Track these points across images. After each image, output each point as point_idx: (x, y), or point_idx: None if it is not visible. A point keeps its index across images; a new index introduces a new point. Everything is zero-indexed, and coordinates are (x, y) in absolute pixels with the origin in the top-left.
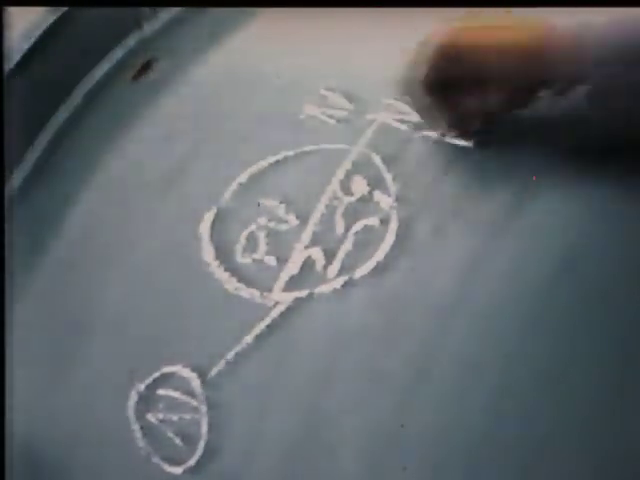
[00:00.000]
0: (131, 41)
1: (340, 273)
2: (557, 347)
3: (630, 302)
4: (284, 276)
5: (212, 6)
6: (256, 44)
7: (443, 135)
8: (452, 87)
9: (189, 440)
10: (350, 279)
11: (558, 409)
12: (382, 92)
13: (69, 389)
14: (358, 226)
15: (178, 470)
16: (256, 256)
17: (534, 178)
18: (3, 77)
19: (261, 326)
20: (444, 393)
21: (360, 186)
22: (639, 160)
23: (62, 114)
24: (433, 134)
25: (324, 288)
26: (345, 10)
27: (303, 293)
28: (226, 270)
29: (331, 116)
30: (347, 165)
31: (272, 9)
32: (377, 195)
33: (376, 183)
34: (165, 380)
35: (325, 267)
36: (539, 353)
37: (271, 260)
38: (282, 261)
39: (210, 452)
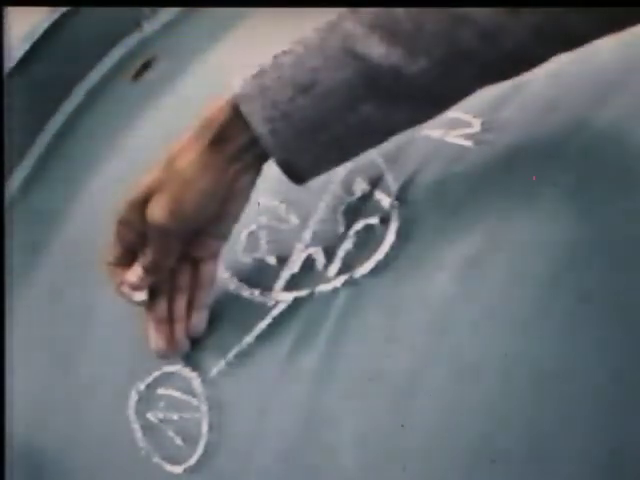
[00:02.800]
0: (131, 41)
1: (340, 272)
2: (557, 347)
3: (631, 301)
4: (284, 275)
5: (212, 6)
6: (256, 44)
7: None
8: None
9: (189, 439)
10: (350, 278)
11: (558, 409)
12: None
13: (69, 388)
14: (358, 225)
15: (178, 469)
16: (257, 255)
17: (534, 178)
18: (3, 77)
19: (261, 325)
20: (444, 393)
21: (361, 185)
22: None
23: (62, 114)
24: (433, 133)
25: (324, 287)
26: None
27: (303, 292)
28: (227, 269)
29: None
30: (348, 164)
31: (272, 9)
32: (378, 194)
33: (377, 182)
34: (165, 379)
35: (325, 266)
36: (539, 353)
37: (272, 259)
38: (282, 260)
39: (210, 451)
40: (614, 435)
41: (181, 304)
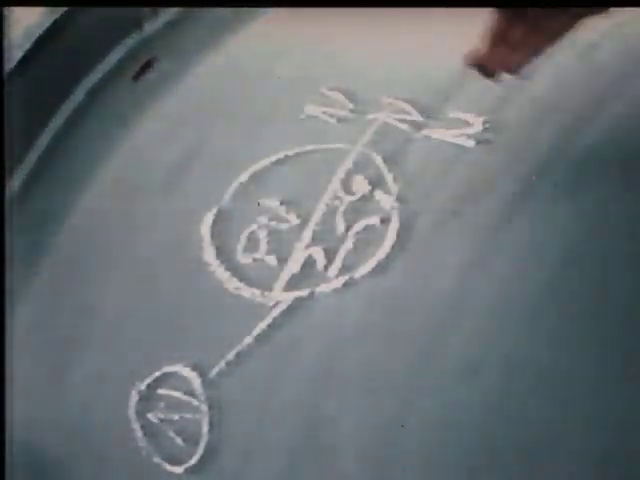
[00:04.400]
0: (131, 41)
1: (341, 272)
2: (557, 346)
3: (631, 302)
4: (285, 275)
5: (212, 6)
6: (256, 44)
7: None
8: None
9: (190, 440)
10: (351, 278)
11: (558, 409)
12: (383, 91)
13: (70, 389)
14: (359, 226)
15: (179, 470)
16: (257, 255)
17: (534, 178)
18: (3, 77)
19: (262, 326)
20: (444, 393)
21: (361, 185)
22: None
23: (63, 114)
24: (434, 133)
25: (325, 287)
26: (345, 10)
27: (304, 292)
28: (227, 270)
29: (332, 115)
30: (348, 164)
31: (272, 9)
32: (378, 194)
33: (377, 182)
34: (166, 380)
35: (326, 266)
36: (539, 353)
37: (272, 259)
38: (283, 260)
39: (211, 452)
40: (614, 435)
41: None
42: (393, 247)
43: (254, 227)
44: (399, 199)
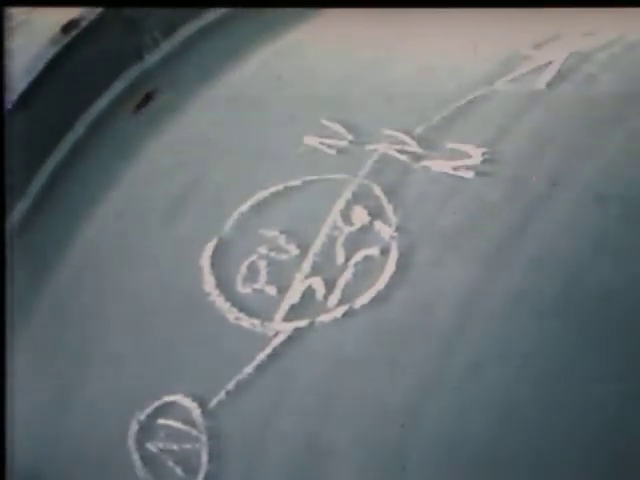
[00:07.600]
0: (132, 72)
1: (340, 303)
2: (557, 372)
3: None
4: (285, 306)
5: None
6: (256, 75)
7: None
8: None
9: (189, 470)
10: (350, 309)
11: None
12: (382, 123)
13: (70, 418)
14: (358, 256)
15: None
16: (257, 286)
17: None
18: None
19: (262, 356)
20: (444, 422)
21: (360, 216)
22: None
23: (64, 147)
24: (433, 164)
25: (324, 317)
26: (344, 39)
27: (304, 323)
28: (227, 300)
29: (331, 146)
30: (347, 195)
31: (274, 35)
32: (377, 225)
33: (377, 213)
34: (166, 409)
35: (325, 297)
36: (540, 378)
37: (272, 290)
38: (283, 291)
39: None
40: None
41: None
42: (393, 277)
43: (254, 257)
44: (399, 229)
